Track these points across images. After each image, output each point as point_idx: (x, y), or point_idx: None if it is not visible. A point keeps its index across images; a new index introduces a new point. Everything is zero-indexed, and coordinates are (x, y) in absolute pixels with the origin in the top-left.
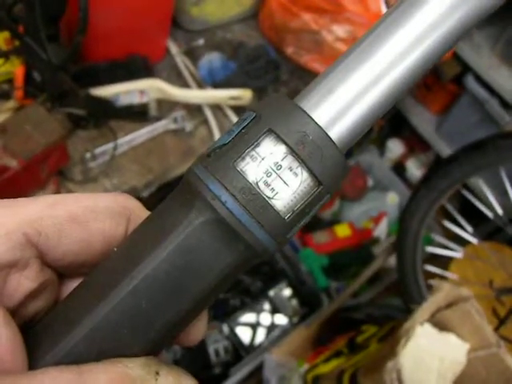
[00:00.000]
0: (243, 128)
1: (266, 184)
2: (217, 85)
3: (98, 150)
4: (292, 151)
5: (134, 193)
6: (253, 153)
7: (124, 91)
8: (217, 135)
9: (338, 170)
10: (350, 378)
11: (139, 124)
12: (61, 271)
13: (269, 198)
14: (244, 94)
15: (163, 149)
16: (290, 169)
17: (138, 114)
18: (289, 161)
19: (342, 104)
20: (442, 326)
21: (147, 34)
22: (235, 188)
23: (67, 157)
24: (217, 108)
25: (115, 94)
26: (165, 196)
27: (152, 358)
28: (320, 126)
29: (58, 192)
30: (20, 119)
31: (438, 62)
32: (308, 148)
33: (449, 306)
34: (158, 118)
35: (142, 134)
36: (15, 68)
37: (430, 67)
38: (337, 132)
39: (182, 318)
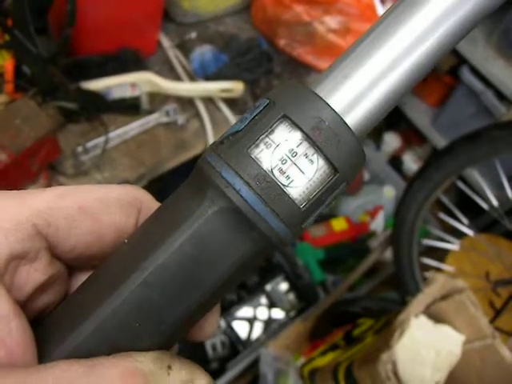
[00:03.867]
0: (257, 114)
1: (281, 171)
2: (209, 77)
3: (89, 144)
4: (307, 137)
5: None
6: (267, 139)
7: (115, 84)
8: (209, 128)
9: (354, 157)
10: (345, 370)
11: (131, 117)
12: (71, 263)
13: (284, 185)
14: (236, 87)
15: (155, 142)
16: (306, 156)
17: (130, 108)
18: (304, 147)
19: (358, 89)
20: (437, 317)
21: (138, 27)
22: (249, 175)
23: (58, 150)
24: (209, 101)
25: (106, 88)
26: (157, 189)
27: (164, 351)
28: (336, 112)
29: (49, 185)
30: (10, 113)
31: (456, 46)
32: (324, 134)
33: (444, 297)
34: (149, 112)
35: (134, 127)
36: (5, 62)
37: (448, 51)
38: (353, 118)
39: (194, 310)
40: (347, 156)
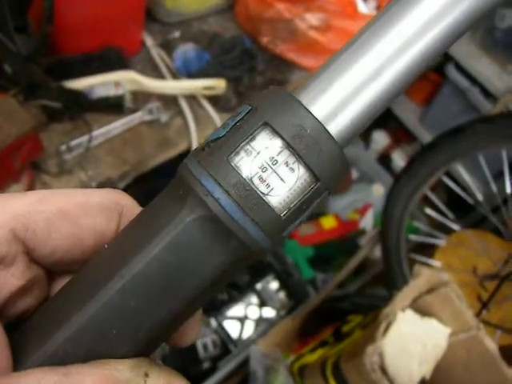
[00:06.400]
0: (238, 121)
1: (261, 179)
2: (192, 76)
3: (73, 143)
4: (288, 145)
5: (109, 184)
6: (248, 147)
7: (98, 83)
8: (192, 126)
9: (336, 165)
10: (333, 364)
11: (114, 116)
12: (51, 268)
13: (264, 194)
14: (218, 84)
15: (139, 140)
16: (287, 164)
17: (114, 106)
18: (285, 155)
19: (341, 98)
20: (423, 311)
21: (122, 26)
22: (229, 184)
23: (40, 148)
24: (192, 99)
25: (89, 87)
26: (141, 187)
27: (142, 359)
28: (318, 120)
29: (32, 184)
30: None
31: (441, 55)
32: (305, 142)
33: (429, 291)
34: (133, 110)
35: (118, 125)
36: None
37: (434, 60)
38: (336, 126)
39: (173, 317)
40: (329, 164)
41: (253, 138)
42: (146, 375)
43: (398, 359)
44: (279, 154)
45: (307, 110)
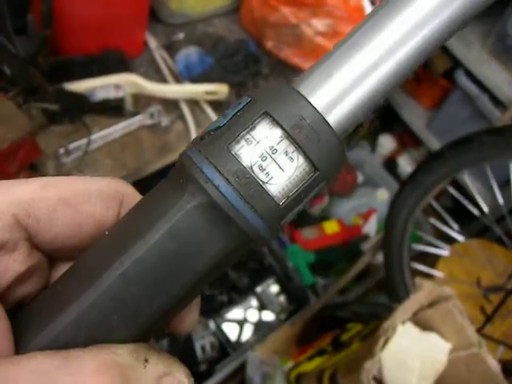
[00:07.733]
0: (239, 111)
1: (261, 168)
2: (194, 79)
3: (72, 146)
4: (288, 135)
5: None
6: (248, 136)
7: (99, 86)
8: (193, 130)
9: (335, 155)
10: (330, 376)
11: (115, 119)
12: (51, 254)
13: (263, 182)
14: (220, 89)
15: (139, 144)
16: (286, 153)
17: (114, 109)
18: (284, 145)
19: (340, 88)
20: (423, 325)
21: (124, 28)
22: (229, 172)
23: (38, 152)
24: (193, 103)
25: (90, 89)
26: (139, 189)
27: (142, 344)
28: (317, 110)
29: None
30: None
31: (438, 49)
32: (304, 132)
33: (431, 304)
34: (133, 113)
35: (118, 129)
36: None
37: (433, 51)
38: (335, 117)
39: (173, 303)
40: (327, 154)
41: (253, 128)
42: (146, 360)
43: (396, 373)
44: (279, 143)
45: (307, 100)
